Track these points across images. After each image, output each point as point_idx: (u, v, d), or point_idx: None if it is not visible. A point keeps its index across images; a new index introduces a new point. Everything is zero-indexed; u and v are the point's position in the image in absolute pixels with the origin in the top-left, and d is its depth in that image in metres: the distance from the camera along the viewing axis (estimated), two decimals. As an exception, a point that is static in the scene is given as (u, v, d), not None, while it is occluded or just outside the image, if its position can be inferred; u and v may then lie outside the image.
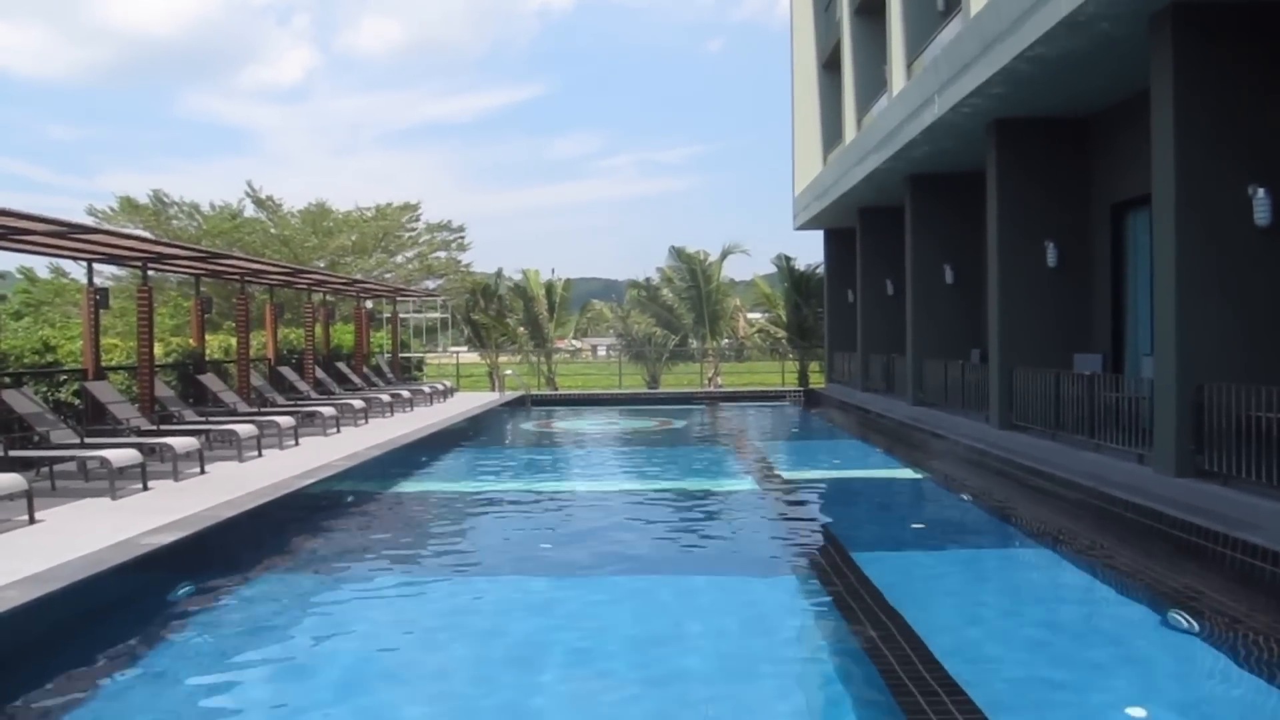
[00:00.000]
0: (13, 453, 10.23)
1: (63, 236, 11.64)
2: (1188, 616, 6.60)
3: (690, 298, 33.45)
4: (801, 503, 12.56)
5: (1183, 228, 9.59)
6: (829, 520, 11.53)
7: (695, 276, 33.38)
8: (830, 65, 26.51)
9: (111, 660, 6.20)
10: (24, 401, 11.63)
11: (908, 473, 14.48)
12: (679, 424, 22.77)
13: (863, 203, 22.86)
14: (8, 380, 12.71)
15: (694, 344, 33.79)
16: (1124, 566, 8.36)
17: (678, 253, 33.79)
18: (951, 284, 18.65)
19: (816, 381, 30.55)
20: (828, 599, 7.58)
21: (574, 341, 47.48)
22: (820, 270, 31.17)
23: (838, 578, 8.15)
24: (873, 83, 21.54)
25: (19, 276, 43.32)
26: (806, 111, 28.30)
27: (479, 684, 5.99)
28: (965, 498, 12.09)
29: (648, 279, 35.37)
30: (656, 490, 13.36)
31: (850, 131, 22.87)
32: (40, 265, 42.37)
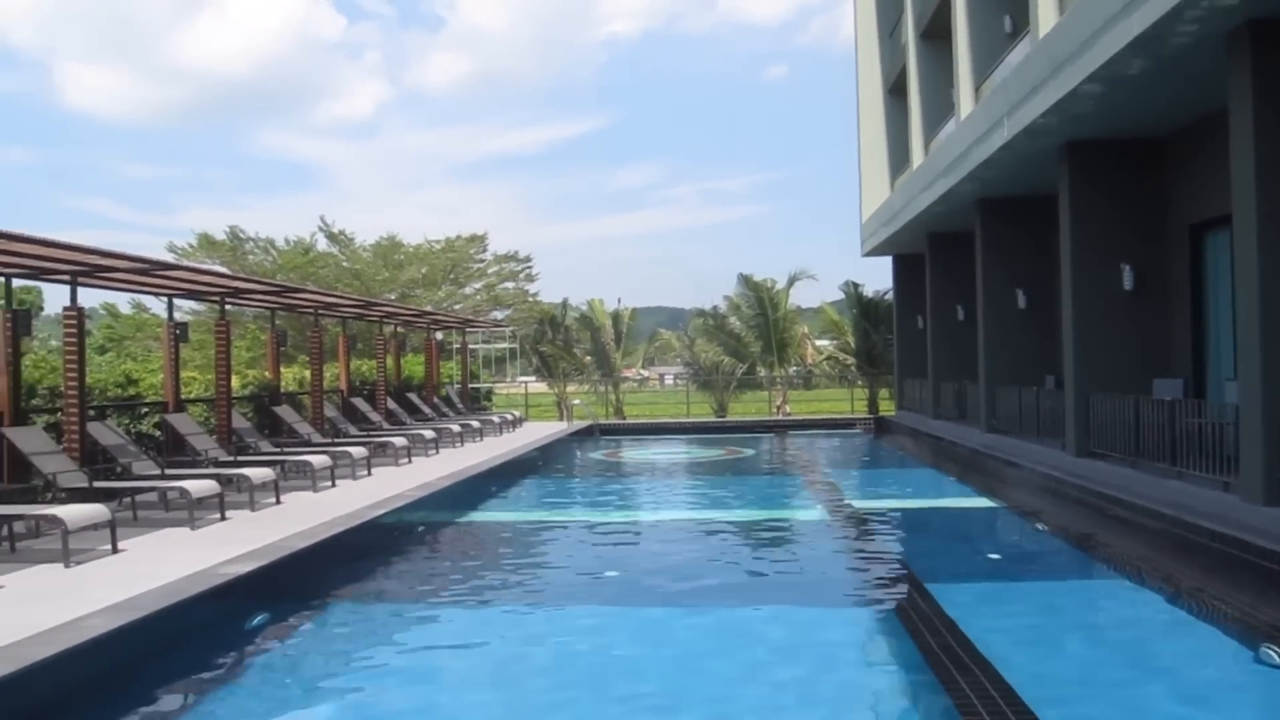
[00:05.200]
0: (97, 483, 10.49)
1: (145, 273, 11.97)
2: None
3: (758, 325, 33.30)
4: (873, 533, 12.39)
5: (1266, 248, 9.32)
6: (902, 550, 11.35)
7: (762, 304, 33.24)
8: (896, 90, 26.36)
9: (190, 688, 6.31)
10: (108, 434, 11.95)
11: (982, 502, 14.22)
12: (747, 452, 22.64)
13: (932, 228, 22.63)
14: (92, 413, 13.06)
15: (762, 372, 33.63)
16: (1211, 599, 8.10)
17: (745, 280, 33.69)
18: (1024, 309, 18.34)
19: (886, 409, 30.19)
20: (902, 629, 7.45)
21: (641, 371, 47.52)
22: (889, 296, 30.86)
23: (911, 609, 8.01)
24: (940, 106, 21.37)
25: (103, 313, 44.58)
26: (873, 137, 28.15)
27: (545, 713, 5.98)
28: (1041, 527, 11.83)
29: (714, 307, 35.30)
30: (725, 520, 13.28)
31: (918, 156, 22.68)
32: (122, 301, 43.63)
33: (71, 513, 8.44)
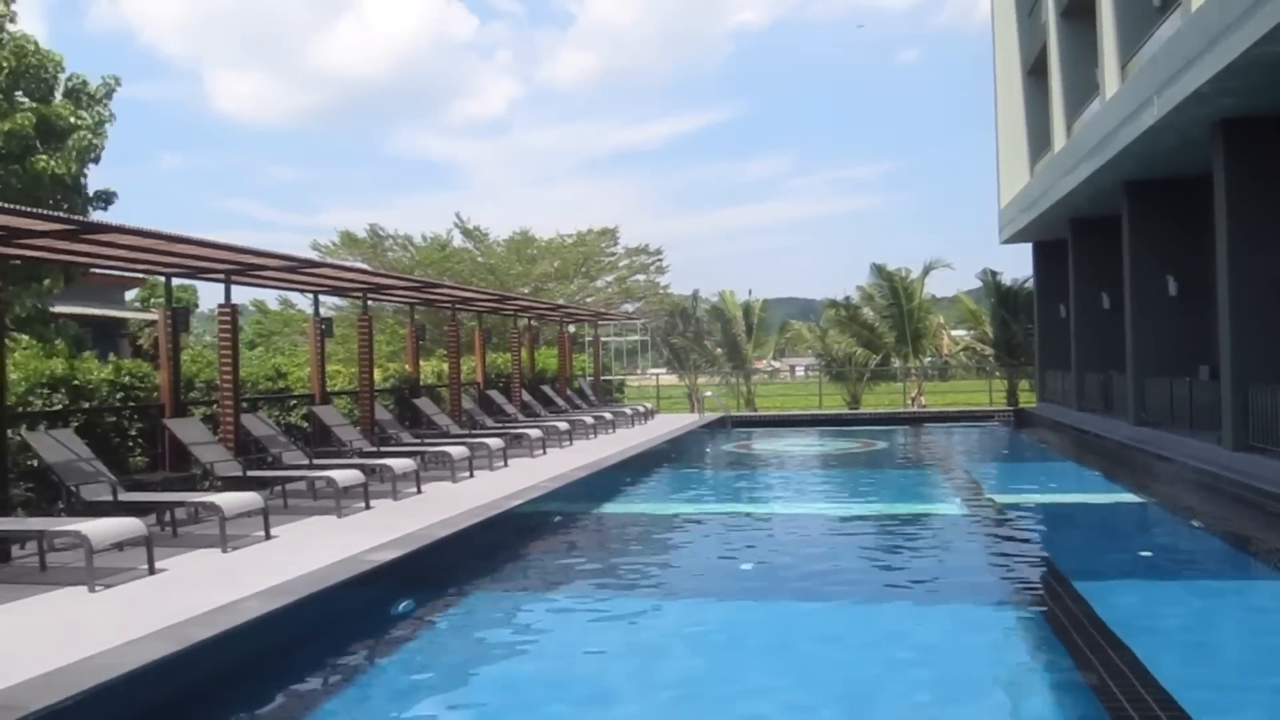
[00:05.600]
0: (250, 473, 10.98)
1: (293, 271, 12.45)
2: None
3: (891, 316, 32.73)
4: (1014, 528, 12.03)
5: None
6: (1046, 547, 10.99)
7: (896, 294, 32.65)
8: (1036, 71, 25.51)
9: (337, 671, 6.54)
10: (259, 425, 12.48)
11: (1130, 497, 13.68)
12: (881, 445, 22.26)
13: (1075, 213, 21.85)
14: (245, 405, 13.64)
15: (896, 363, 33.04)
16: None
17: (878, 270, 33.16)
18: (1175, 296, 17.57)
19: (1026, 401, 29.30)
20: (1047, 629, 7.22)
21: (772, 362, 47.21)
22: (1029, 284, 29.98)
23: (1057, 607, 7.76)
24: (1083, 87, 20.59)
25: (252, 309, 46.59)
26: (1011, 120, 27.32)
27: (679, 705, 5.99)
28: (1196, 525, 11.31)
29: (846, 297, 34.85)
30: (860, 514, 13.09)
31: (1060, 139, 21.91)
32: (271, 297, 45.54)
33: (228, 500, 8.85)
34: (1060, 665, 6.45)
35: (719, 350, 34.13)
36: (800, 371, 53.29)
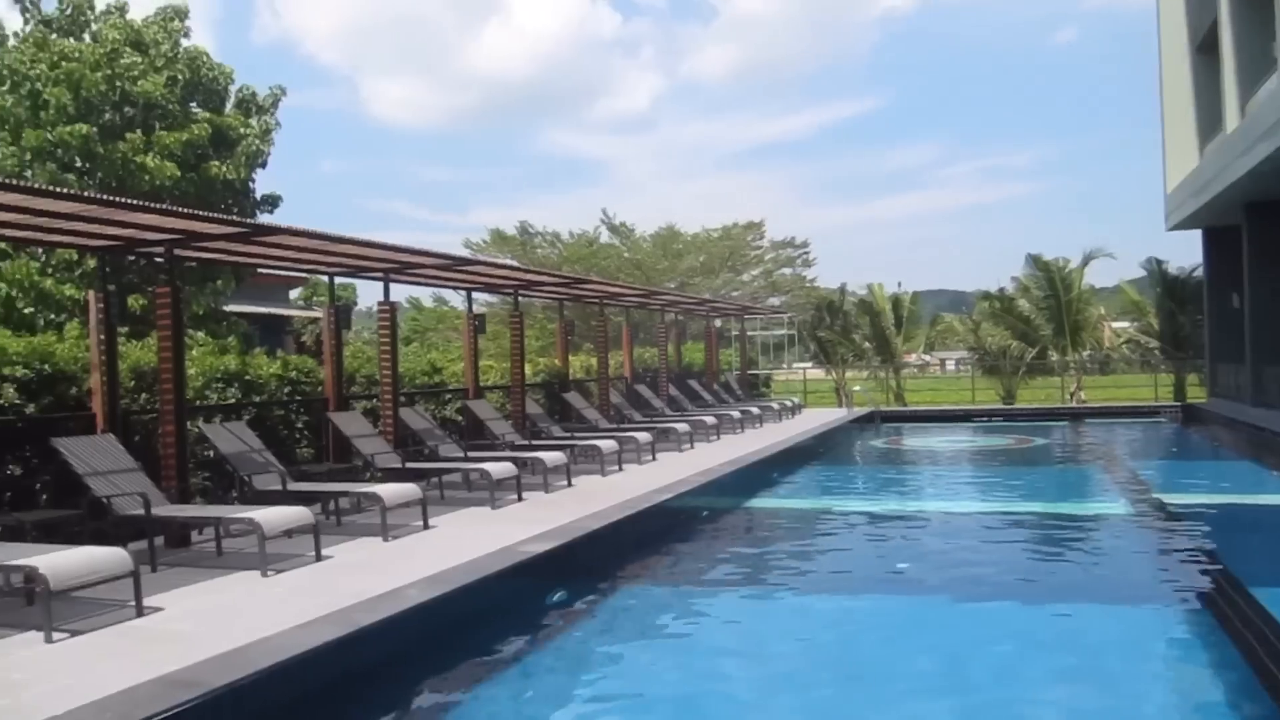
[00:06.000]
0: (409, 464, 11.35)
1: (448, 269, 12.81)
2: None
3: (1049, 307, 31.58)
4: (1184, 530, 11.42)
5: None
6: (1220, 550, 10.41)
7: (1053, 284, 31.47)
8: (1205, 47, 24.18)
9: (492, 659, 6.70)
10: (416, 418, 12.89)
11: (1314, 498, 12.87)
12: (1039, 441, 21.51)
13: (1249, 197, 20.64)
14: (402, 399, 14.12)
15: (1053, 356, 31.86)
16: None
17: (1034, 260, 32.03)
18: (1364, 284, 16.42)
19: (1195, 396, 27.86)
20: (1222, 636, 6.86)
21: (923, 356, 46.19)
22: (1198, 273, 28.51)
23: (1233, 613, 7.35)
24: (1257, 62, 19.42)
25: (407, 306, 48.21)
26: (1177, 100, 25.98)
27: (835, 704, 5.92)
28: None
29: (1001, 289, 33.80)
30: (1018, 512, 12.69)
31: (1232, 119, 20.72)
32: (425, 295, 47.02)
33: (389, 491, 9.17)
34: (1235, 674, 6.12)
35: (867, 344, 33.57)
36: (951, 365, 52.01)
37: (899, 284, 35.74)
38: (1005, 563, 9.77)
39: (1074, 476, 16.58)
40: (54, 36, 19.20)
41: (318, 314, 28.68)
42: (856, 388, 30.88)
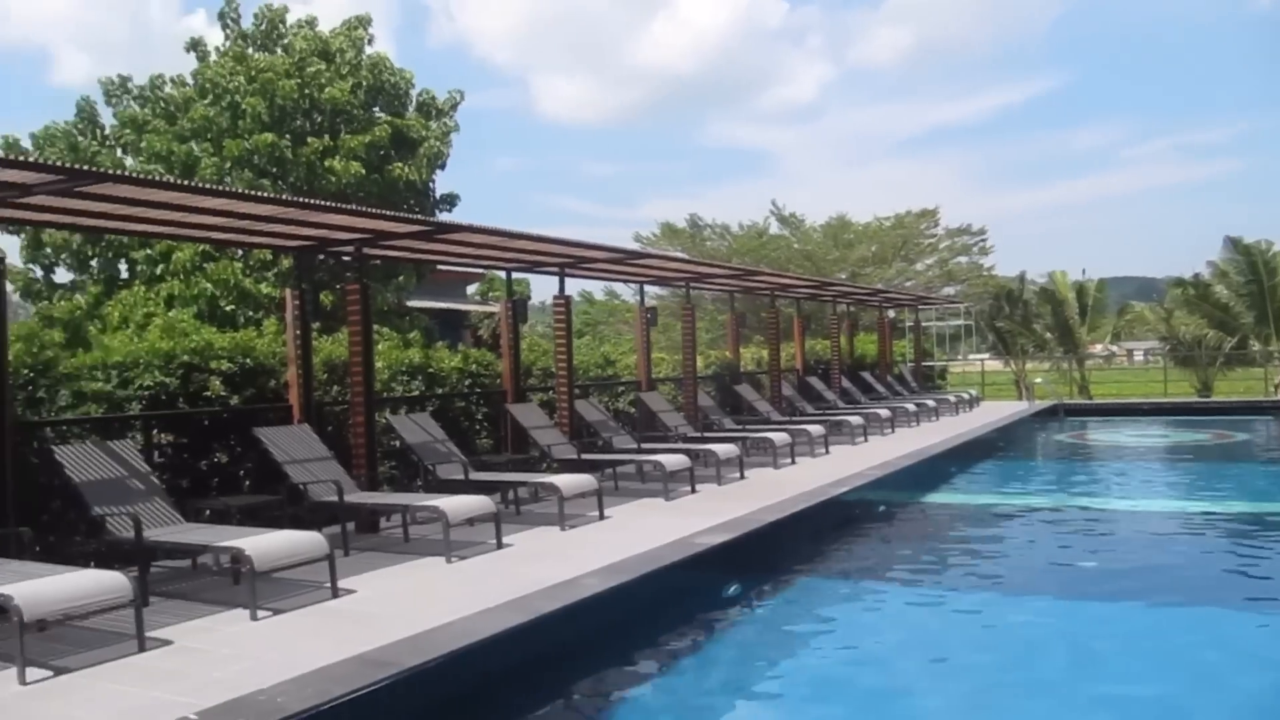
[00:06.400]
0: (584, 456, 11.53)
1: (620, 262, 12.94)
2: None
3: (1249, 294, 29.64)
4: None
5: None
6: None
7: (1255, 270, 29.52)
8: None
9: (667, 649, 6.74)
10: (591, 410, 13.08)
11: None
12: (1239, 437, 20.20)
13: None
14: (577, 391, 14.36)
15: (1255, 346, 29.88)
16: None
17: (1233, 244, 30.13)
18: None
19: None
20: None
21: (1109, 346, 44.07)
22: None
23: None
24: None
25: (579, 299, 49.04)
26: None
27: (1020, 704, 5.71)
28: None
29: (1195, 275, 31.91)
30: (1214, 512, 11.95)
31: None
32: (596, 288, 47.72)
33: (567, 481, 9.34)
34: None
35: (1049, 334, 32.27)
36: (1140, 356, 49.43)
37: (1083, 271, 34.28)
38: (1200, 564, 9.25)
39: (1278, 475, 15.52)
40: (250, 51, 20.35)
41: (493, 308, 29.49)
42: (1038, 379, 29.74)
